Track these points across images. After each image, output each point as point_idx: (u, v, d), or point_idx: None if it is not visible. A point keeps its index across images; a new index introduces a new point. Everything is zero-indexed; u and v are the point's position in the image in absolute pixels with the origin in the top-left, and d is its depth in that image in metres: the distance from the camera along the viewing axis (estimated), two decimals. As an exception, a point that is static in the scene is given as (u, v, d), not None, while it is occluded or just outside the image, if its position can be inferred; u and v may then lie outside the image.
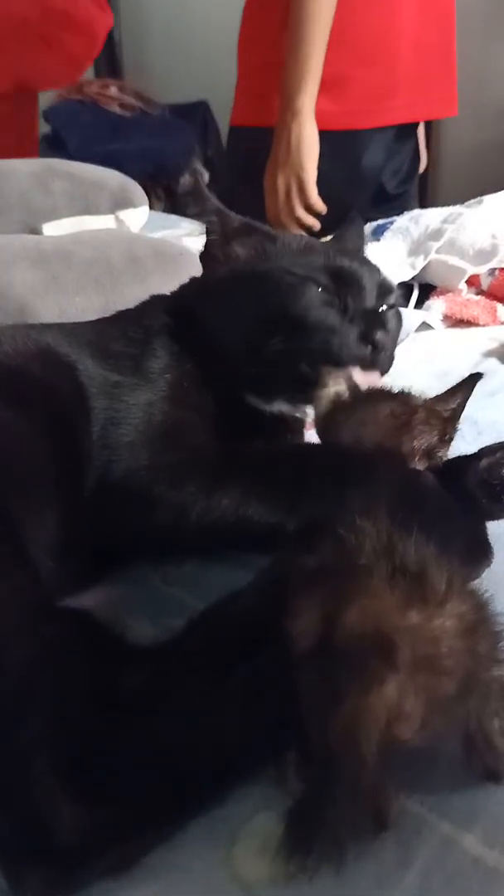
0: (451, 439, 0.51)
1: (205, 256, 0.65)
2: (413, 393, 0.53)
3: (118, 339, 0.59)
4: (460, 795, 0.33)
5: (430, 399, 0.52)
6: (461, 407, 0.51)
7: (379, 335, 0.56)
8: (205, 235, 0.64)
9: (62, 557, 0.47)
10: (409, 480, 0.48)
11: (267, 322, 0.57)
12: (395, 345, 0.61)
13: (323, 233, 1.14)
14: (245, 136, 1.33)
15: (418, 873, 0.31)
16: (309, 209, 1.21)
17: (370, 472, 0.48)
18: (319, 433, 0.54)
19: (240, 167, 1.37)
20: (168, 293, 0.68)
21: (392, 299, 0.62)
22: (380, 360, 0.57)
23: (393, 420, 0.50)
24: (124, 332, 0.60)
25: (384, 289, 0.61)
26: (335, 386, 0.53)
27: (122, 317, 0.66)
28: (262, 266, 0.60)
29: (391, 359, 0.60)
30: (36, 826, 0.31)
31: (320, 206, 1.21)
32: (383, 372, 0.59)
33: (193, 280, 0.68)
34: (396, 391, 0.53)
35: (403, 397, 0.52)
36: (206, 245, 0.64)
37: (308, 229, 1.18)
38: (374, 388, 0.55)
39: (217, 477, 0.49)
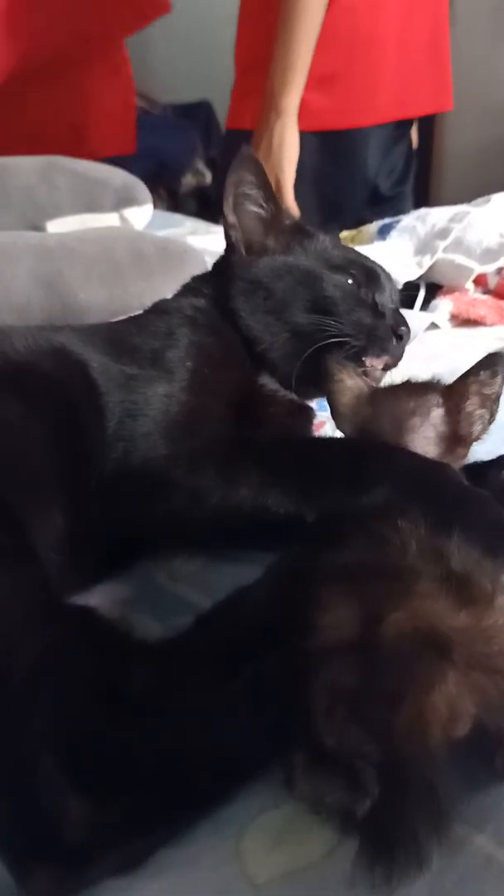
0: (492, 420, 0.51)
1: (239, 238, 0.65)
2: (431, 381, 0.53)
3: (138, 333, 0.59)
4: (471, 795, 0.33)
5: (465, 381, 0.50)
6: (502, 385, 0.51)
7: (403, 329, 0.63)
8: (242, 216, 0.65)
9: (68, 554, 0.47)
10: (432, 470, 0.48)
11: (308, 307, 0.61)
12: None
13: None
14: (241, 140, 1.32)
15: (430, 873, 0.30)
16: None
17: (390, 463, 0.47)
18: (343, 425, 0.53)
19: None
20: (186, 284, 0.69)
21: (397, 304, 0.69)
22: (400, 351, 0.63)
23: (440, 408, 0.49)
24: (144, 328, 0.60)
25: (396, 290, 0.69)
26: (350, 379, 0.52)
27: (141, 315, 0.66)
28: (304, 260, 0.64)
29: (402, 354, 0.65)
30: (43, 823, 0.31)
31: (294, 211, 1.20)
32: (395, 364, 0.63)
33: (218, 270, 0.68)
34: (418, 381, 0.53)
35: (433, 386, 0.51)
36: (244, 228, 0.65)
37: None
38: (395, 382, 0.55)
39: (235, 465, 0.49)
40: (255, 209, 0.64)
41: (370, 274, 0.65)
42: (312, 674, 0.32)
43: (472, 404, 0.49)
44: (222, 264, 0.67)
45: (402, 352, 0.64)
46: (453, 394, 0.50)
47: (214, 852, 0.32)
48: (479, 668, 0.30)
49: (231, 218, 0.64)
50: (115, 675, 0.36)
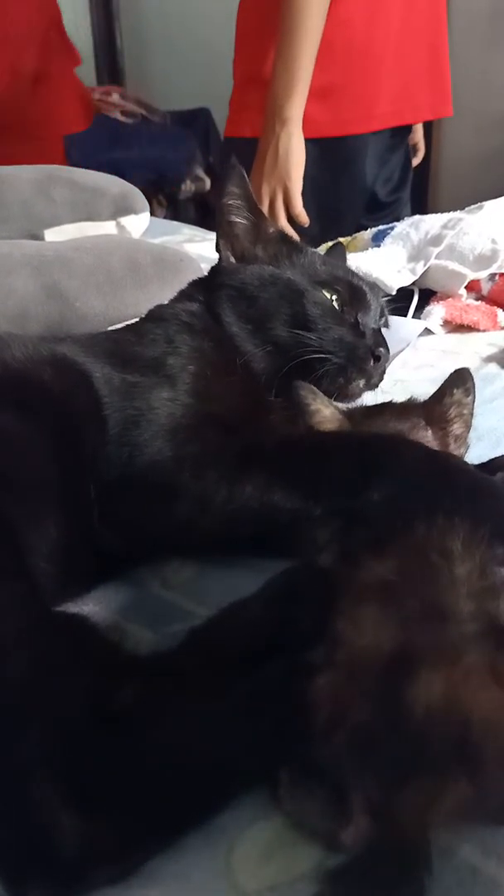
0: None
1: (227, 246, 0.66)
2: (410, 402, 0.53)
3: (137, 342, 0.60)
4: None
5: (443, 403, 0.52)
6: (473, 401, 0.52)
7: (382, 350, 0.63)
8: (227, 227, 0.66)
9: (62, 562, 0.47)
10: (439, 461, 0.48)
11: (292, 323, 0.61)
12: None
13: (313, 242, 1.15)
14: (239, 147, 1.33)
15: (417, 884, 0.30)
16: (291, 221, 1.21)
17: (396, 455, 0.47)
18: None
19: None
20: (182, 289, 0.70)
21: (385, 323, 0.70)
22: (378, 372, 0.63)
23: (427, 430, 0.50)
24: (143, 336, 0.61)
25: (382, 311, 0.69)
26: (326, 408, 0.53)
27: (139, 323, 0.66)
28: (288, 272, 0.64)
29: (382, 374, 0.66)
30: (36, 838, 0.31)
31: (304, 219, 1.20)
32: (375, 385, 0.64)
33: (213, 276, 0.69)
34: (398, 404, 0.54)
35: (414, 408, 0.52)
36: (230, 238, 0.66)
37: None
38: (366, 406, 0.56)
39: (240, 465, 0.49)
40: (241, 219, 0.65)
41: (356, 292, 0.65)
42: (319, 688, 0.30)
43: (458, 427, 0.50)
44: (215, 270, 0.68)
45: (382, 371, 0.64)
46: (436, 416, 0.50)
47: (205, 863, 0.32)
48: (500, 772, 0.28)
49: (220, 227, 0.66)
50: (106, 688, 0.36)
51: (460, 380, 0.51)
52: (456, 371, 0.52)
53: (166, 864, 0.32)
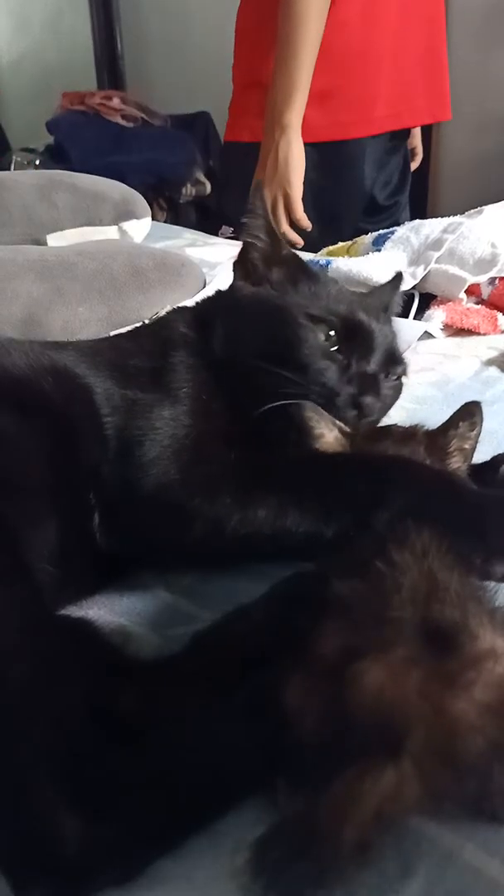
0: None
1: (240, 267, 0.64)
2: (414, 428, 0.53)
3: (136, 354, 0.59)
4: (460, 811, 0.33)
5: (446, 435, 0.51)
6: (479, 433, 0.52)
7: (368, 400, 0.56)
8: (244, 246, 0.64)
9: (64, 567, 0.47)
10: (443, 479, 0.48)
11: (273, 353, 0.57)
12: (385, 412, 0.61)
13: (313, 246, 1.15)
14: (238, 152, 1.34)
15: (420, 885, 0.31)
16: (293, 226, 1.22)
17: (403, 473, 0.48)
18: None
19: (233, 181, 1.38)
20: (188, 305, 0.68)
21: (399, 371, 0.62)
22: (361, 424, 0.56)
23: (427, 460, 0.50)
24: (142, 347, 0.60)
25: (393, 358, 0.61)
26: (330, 432, 0.52)
27: (140, 332, 0.66)
28: (281, 299, 0.60)
29: (381, 416, 0.60)
30: (40, 840, 0.31)
31: (305, 223, 1.21)
32: (376, 422, 0.59)
33: (218, 293, 0.68)
34: (401, 429, 0.53)
35: (417, 437, 0.51)
36: (245, 259, 0.64)
37: (291, 245, 1.19)
38: (370, 429, 0.55)
39: (250, 488, 0.49)
40: (258, 240, 0.63)
41: (357, 333, 0.59)
42: (293, 702, 0.32)
43: (455, 461, 0.50)
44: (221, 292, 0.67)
45: (374, 414, 0.57)
46: (437, 446, 0.50)
47: (209, 866, 0.32)
48: (434, 761, 0.29)
49: (241, 246, 0.64)
50: (109, 691, 0.36)
51: (468, 413, 0.51)
52: (466, 404, 0.52)
53: (169, 865, 0.32)
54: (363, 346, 0.59)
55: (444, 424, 0.52)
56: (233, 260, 0.66)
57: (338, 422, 0.54)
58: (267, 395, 0.54)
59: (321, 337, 0.57)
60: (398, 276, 0.76)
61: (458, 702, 0.30)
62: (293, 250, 0.65)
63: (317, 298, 0.60)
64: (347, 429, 0.54)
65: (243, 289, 0.63)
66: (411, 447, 0.50)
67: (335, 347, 0.58)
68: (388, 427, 0.55)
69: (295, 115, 1.12)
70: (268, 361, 0.56)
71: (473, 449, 0.52)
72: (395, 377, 0.62)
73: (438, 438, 0.51)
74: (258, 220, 0.62)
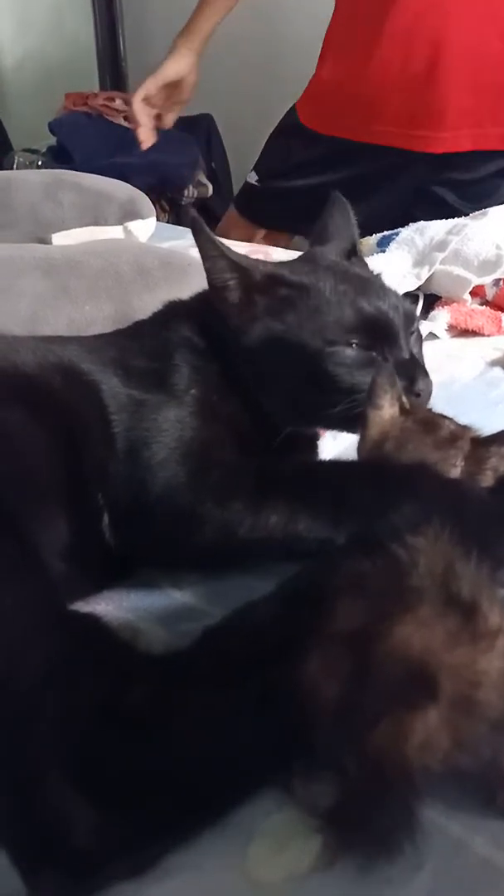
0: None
1: (224, 312, 0.59)
2: (463, 430, 0.52)
3: (139, 354, 0.58)
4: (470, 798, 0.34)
5: (487, 450, 0.51)
6: None
7: (421, 385, 0.56)
8: (216, 293, 0.58)
9: (74, 562, 0.48)
10: (455, 488, 0.48)
11: (312, 389, 0.56)
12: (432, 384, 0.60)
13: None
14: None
15: (429, 875, 0.31)
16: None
17: (414, 481, 0.48)
18: (361, 452, 0.53)
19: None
20: (183, 300, 0.66)
21: (415, 325, 0.61)
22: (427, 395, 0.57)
23: (457, 468, 0.49)
24: (144, 347, 0.59)
25: (409, 319, 0.59)
26: (390, 407, 0.51)
27: (141, 329, 0.64)
28: (291, 332, 0.56)
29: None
30: (51, 832, 0.31)
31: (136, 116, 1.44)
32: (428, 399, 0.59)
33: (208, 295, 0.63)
34: (449, 429, 0.52)
35: (457, 443, 0.51)
36: (225, 303, 0.58)
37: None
38: (425, 414, 0.54)
39: (261, 493, 0.49)
40: (225, 280, 0.58)
41: (380, 329, 0.57)
42: (307, 677, 0.33)
43: (487, 477, 0.49)
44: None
45: (431, 392, 0.58)
46: (474, 458, 0.50)
47: (220, 854, 0.33)
48: (460, 711, 0.31)
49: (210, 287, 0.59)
50: (120, 685, 0.36)
51: None
52: None
53: (180, 855, 0.33)
54: (390, 338, 0.57)
55: (490, 437, 0.51)
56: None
57: (404, 398, 0.52)
58: (310, 419, 0.57)
59: (349, 353, 0.55)
60: (336, 198, 0.70)
61: (483, 658, 0.32)
62: (269, 272, 0.59)
63: (320, 314, 0.56)
64: (408, 406, 0.52)
65: (248, 327, 0.57)
66: (451, 451, 0.50)
67: (366, 350, 0.56)
68: (442, 420, 0.53)
69: (180, 39, 1.42)
70: (310, 394, 0.56)
71: None
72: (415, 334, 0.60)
73: (480, 449, 0.50)
74: (218, 261, 0.57)
